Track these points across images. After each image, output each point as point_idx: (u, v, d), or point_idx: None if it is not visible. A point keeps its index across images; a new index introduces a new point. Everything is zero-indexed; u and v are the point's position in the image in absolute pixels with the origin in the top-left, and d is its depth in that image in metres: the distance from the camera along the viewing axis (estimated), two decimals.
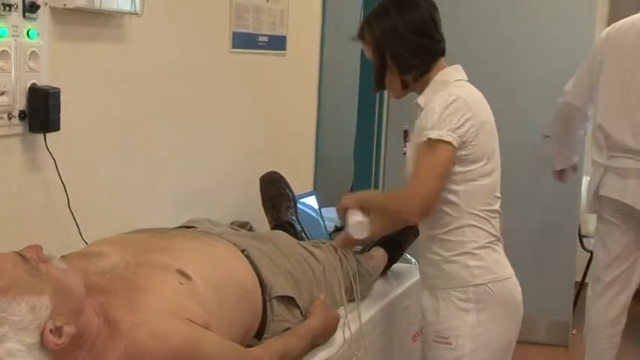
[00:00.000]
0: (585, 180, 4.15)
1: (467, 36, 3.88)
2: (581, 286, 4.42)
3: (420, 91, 1.94)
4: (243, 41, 2.55)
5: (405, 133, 1.98)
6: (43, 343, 1.20)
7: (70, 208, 1.81)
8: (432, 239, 1.92)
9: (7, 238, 1.68)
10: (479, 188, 1.87)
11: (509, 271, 1.94)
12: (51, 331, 1.21)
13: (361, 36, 1.96)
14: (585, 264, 4.39)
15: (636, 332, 4.32)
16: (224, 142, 2.52)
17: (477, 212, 1.87)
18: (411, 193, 1.82)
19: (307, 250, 2.04)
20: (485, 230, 1.89)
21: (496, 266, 1.91)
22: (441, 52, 1.95)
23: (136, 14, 1.96)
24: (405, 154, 1.97)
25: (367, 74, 3.76)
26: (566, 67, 3.80)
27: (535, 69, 3.81)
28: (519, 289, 1.95)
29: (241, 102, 2.60)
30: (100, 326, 1.33)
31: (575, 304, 4.21)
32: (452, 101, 1.82)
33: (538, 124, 3.85)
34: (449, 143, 1.78)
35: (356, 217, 2.01)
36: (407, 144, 2.00)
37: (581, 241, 4.29)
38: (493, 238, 1.91)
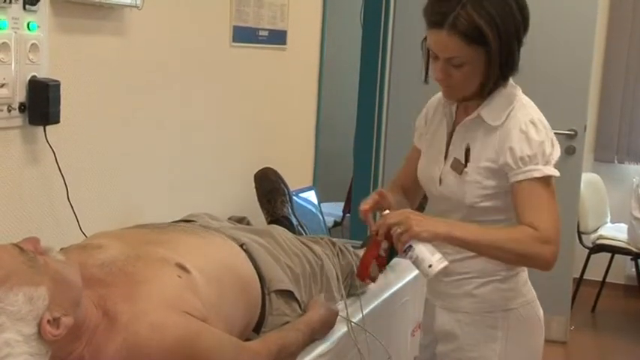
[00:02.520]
0: (585, 177, 4.16)
1: None
2: (579, 283, 4.43)
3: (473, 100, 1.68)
4: (244, 35, 2.55)
5: (467, 152, 1.67)
6: (40, 334, 1.20)
7: (69, 201, 1.81)
8: (464, 261, 1.72)
9: (6, 230, 1.69)
10: (557, 215, 1.67)
11: (534, 291, 1.80)
12: (48, 321, 1.21)
13: (474, 31, 1.54)
14: (584, 261, 4.41)
15: (636, 331, 4.33)
16: (223, 136, 2.52)
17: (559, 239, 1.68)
18: (549, 238, 1.57)
19: (305, 244, 2.04)
20: None
21: (525, 288, 1.77)
22: None
23: (136, 7, 1.96)
24: (461, 173, 1.67)
25: (367, 69, 3.78)
26: (566, 63, 3.81)
27: (535, 66, 3.80)
28: (541, 309, 1.81)
29: (241, 96, 2.60)
30: (98, 318, 1.33)
31: (573, 300, 4.22)
32: (553, 137, 1.64)
33: None
34: (555, 177, 1.64)
35: (437, 258, 1.57)
36: (469, 165, 1.66)
37: (580, 238, 4.30)
38: None
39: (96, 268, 1.44)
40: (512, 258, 1.63)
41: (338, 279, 2.03)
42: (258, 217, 2.43)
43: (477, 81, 1.62)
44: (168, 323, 1.34)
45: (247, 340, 1.63)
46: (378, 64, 3.73)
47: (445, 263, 1.58)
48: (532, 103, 1.70)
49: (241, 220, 2.25)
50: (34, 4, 1.67)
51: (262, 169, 2.46)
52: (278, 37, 2.76)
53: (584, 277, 4.49)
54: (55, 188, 1.80)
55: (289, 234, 2.09)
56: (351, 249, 2.19)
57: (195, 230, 1.78)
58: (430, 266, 1.56)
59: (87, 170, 1.92)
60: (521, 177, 1.60)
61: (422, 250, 1.56)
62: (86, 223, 1.85)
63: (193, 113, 2.35)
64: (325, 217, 2.98)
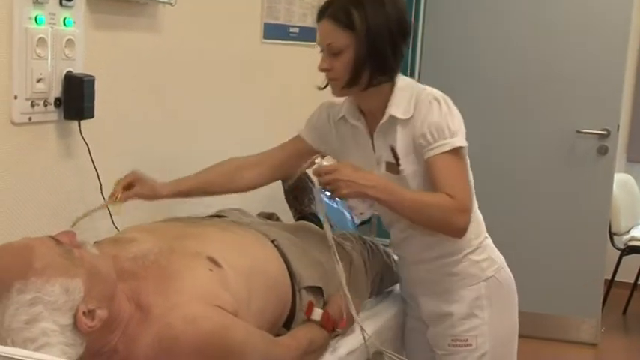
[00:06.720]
0: (617, 177, 4.11)
1: (500, 31, 3.85)
2: (610, 284, 4.38)
3: (362, 97, 1.78)
4: (275, 32, 2.56)
5: (394, 151, 1.77)
6: (76, 325, 1.22)
7: (102, 195, 1.83)
8: (435, 244, 1.83)
9: (41, 223, 1.71)
10: (470, 184, 1.82)
11: (501, 255, 1.92)
12: (84, 313, 1.22)
13: (345, 16, 1.69)
14: (615, 262, 4.35)
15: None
16: (254, 132, 2.53)
17: (473, 207, 1.83)
18: (465, 207, 1.69)
19: (335, 240, 2.04)
20: (479, 221, 1.89)
21: (494, 253, 1.90)
22: None
23: (170, 4, 1.98)
24: (398, 172, 1.76)
25: None
26: (600, 62, 3.76)
27: (569, 65, 3.77)
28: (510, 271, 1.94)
29: (272, 92, 2.60)
30: (132, 311, 1.34)
31: (604, 302, 4.17)
32: (456, 112, 1.74)
33: (571, 120, 3.82)
34: (466, 147, 1.75)
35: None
36: (401, 162, 1.76)
37: (611, 239, 4.24)
38: (484, 225, 1.91)
39: (129, 261, 1.45)
40: (429, 222, 1.73)
41: (367, 275, 2.03)
42: (286, 213, 2.44)
43: (353, 71, 1.71)
44: (200, 316, 1.35)
45: (277, 335, 1.63)
46: (407, 60, 3.72)
47: (373, 210, 1.76)
48: (430, 87, 1.80)
49: (270, 217, 2.25)
50: (71, 0, 1.69)
51: None
52: (308, 34, 2.76)
53: (616, 279, 4.43)
54: (88, 182, 1.82)
55: (319, 230, 2.08)
56: (382, 246, 2.19)
57: (226, 225, 1.79)
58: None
59: (120, 165, 1.94)
60: (433, 152, 1.70)
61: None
62: (118, 217, 1.87)
63: (224, 109, 2.36)
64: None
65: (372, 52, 1.69)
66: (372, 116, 1.81)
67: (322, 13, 1.74)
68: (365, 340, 1.72)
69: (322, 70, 1.75)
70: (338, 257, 1.70)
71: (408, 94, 1.75)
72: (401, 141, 1.75)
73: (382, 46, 1.70)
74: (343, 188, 1.66)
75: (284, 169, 2.00)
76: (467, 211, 1.70)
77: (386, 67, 1.73)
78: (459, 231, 1.73)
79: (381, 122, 1.76)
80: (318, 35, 1.75)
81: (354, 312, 1.68)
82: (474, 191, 1.85)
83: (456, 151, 1.71)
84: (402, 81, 1.78)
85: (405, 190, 1.72)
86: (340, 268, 1.70)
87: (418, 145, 1.73)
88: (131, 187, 1.76)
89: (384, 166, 1.79)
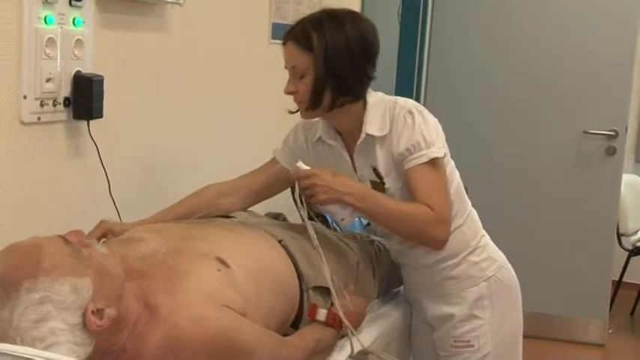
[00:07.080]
0: (625, 178, 4.10)
1: (506, 32, 3.84)
2: (618, 285, 4.37)
3: (332, 118, 1.79)
4: (283, 32, 2.55)
5: (376, 171, 1.77)
6: (85, 324, 1.22)
7: (110, 194, 1.84)
8: (433, 249, 1.82)
9: (49, 222, 1.72)
10: (458, 185, 1.84)
11: (502, 253, 1.93)
12: (93, 312, 1.23)
13: (305, 38, 1.70)
14: (623, 263, 4.34)
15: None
16: (262, 133, 2.53)
17: (465, 207, 1.86)
18: (444, 219, 1.70)
19: (343, 241, 2.04)
20: (475, 220, 1.89)
21: (494, 253, 1.90)
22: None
23: (178, 4, 1.99)
24: (384, 192, 1.76)
25: (404, 68, 3.77)
26: (608, 63, 3.75)
27: (576, 65, 3.76)
28: (513, 270, 1.94)
29: (279, 93, 2.60)
30: (140, 310, 1.35)
31: (612, 303, 4.16)
32: (432, 120, 1.74)
33: (578, 120, 3.81)
34: (444, 156, 1.75)
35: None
36: (386, 180, 1.77)
37: (619, 240, 4.23)
38: (480, 224, 1.91)
39: (137, 261, 1.45)
40: (408, 233, 1.75)
41: (374, 276, 2.03)
42: (293, 213, 2.43)
43: (314, 93, 1.71)
44: (208, 316, 1.35)
45: (285, 335, 1.63)
46: (415, 62, 3.72)
47: (355, 216, 1.76)
48: (402, 98, 1.80)
49: (278, 217, 2.25)
50: (80, 0, 1.70)
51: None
52: None
53: (623, 280, 4.43)
54: (97, 182, 1.83)
55: (326, 230, 2.09)
56: (388, 246, 2.19)
57: (234, 226, 1.79)
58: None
59: (128, 165, 1.95)
60: (410, 164, 1.71)
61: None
62: (127, 217, 1.87)
63: (232, 109, 2.36)
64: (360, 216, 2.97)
65: (331, 73, 1.69)
66: (350, 135, 1.81)
67: (286, 36, 1.75)
68: (350, 340, 1.70)
69: (287, 93, 1.76)
70: (323, 256, 1.70)
71: (381, 111, 1.76)
72: (381, 160, 1.76)
73: (341, 67, 1.69)
74: (320, 194, 1.67)
75: (265, 192, 1.98)
76: (446, 222, 1.71)
77: (347, 88, 1.72)
78: (437, 243, 1.75)
79: (359, 142, 1.77)
80: (284, 58, 1.76)
81: (339, 307, 1.66)
82: (465, 193, 1.87)
83: (433, 162, 1.71)
84: (373, 97, 1.78)
85: (384, 199, 1.72)
86: (325, 265, 1.70)
87: (398, 161, 1.74)
88: (103, 238, 1.68)
89: (368, 185, 1.80)
